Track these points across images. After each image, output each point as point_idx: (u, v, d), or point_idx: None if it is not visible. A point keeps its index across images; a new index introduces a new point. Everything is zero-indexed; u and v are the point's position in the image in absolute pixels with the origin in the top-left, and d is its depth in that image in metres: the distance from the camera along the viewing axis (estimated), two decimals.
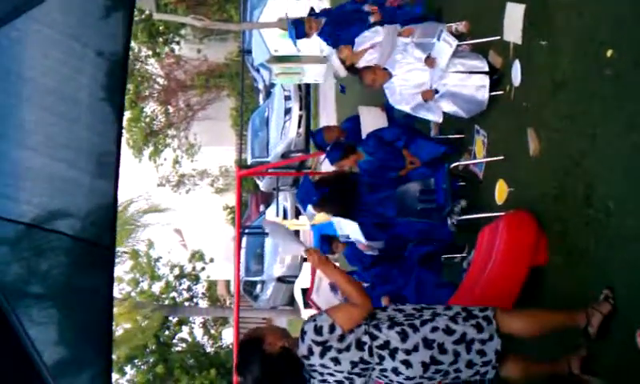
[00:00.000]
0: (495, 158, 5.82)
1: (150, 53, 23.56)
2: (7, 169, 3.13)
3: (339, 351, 3.74)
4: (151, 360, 21.71)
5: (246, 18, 18.01)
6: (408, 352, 3.76)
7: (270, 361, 3.72)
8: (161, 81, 25.41)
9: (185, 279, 23.16)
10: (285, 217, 16.96)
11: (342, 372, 3.78)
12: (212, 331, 24.77)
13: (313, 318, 3.84)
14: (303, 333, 3.79)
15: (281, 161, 16.77)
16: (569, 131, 4.75)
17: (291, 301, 18.00)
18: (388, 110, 7.23)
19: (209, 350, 24.22)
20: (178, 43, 23.50)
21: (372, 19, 7.04)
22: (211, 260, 23.54)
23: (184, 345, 23.39)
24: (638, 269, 3.90)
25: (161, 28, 22.19)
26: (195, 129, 25.17)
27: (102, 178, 3.42)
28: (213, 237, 24.94)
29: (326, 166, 7.76)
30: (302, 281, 12.94)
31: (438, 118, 6.28)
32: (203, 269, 23.49)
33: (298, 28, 7.57)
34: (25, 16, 3.03)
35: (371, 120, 7.29)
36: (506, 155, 5.70)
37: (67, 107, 3.34)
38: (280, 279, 17.86)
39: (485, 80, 5.90)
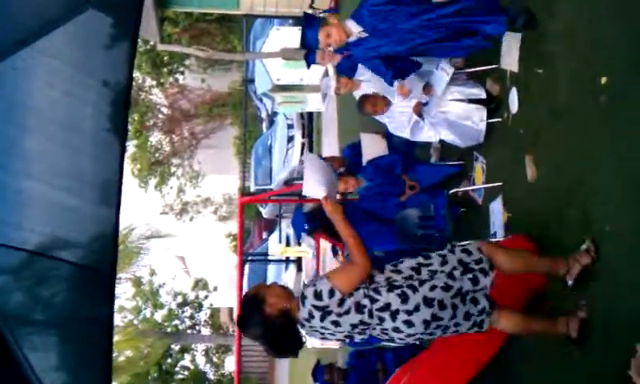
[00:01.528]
0: (494, 184, 5.87)
1: (155, 83, 23.77)
2: (10, 197, 3.18)
3: (339, 315, 3.84)
4: None
5: (249, 48, 18.19)
6: (409, 312, 3.86)
7: (269, 322, 3.83)
8: (165, 110, 25.59)
9: (187, 307, 23.13)
10: (288, 244, 16.96)
11: (342, 332, 3.92)
12: (214, 359, 24.68)
13: (313, 283, 3.92)
14: (304, 297, 3.87)
15: (284, 188, 16.83)
16: (565, 157, 4.80)
17: None
18: (388, 137, 7.30)
19: (211, 377, 24.10)
20: (182, 73, 23.71)
21: None
22: (215, 288, 23.51)
23: (186, 373, 23.30)
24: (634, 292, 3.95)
25: (165, 58, 22.40)
26: (199, 157, 25.31)
27: (104, 206, 3.46)
28: (216, 264, 24.94)
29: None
30: None
31: (435, 137, 6.32)
32: (207, 297, 23.48)
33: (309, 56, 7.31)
34: (30, 47, 3.09)
35: (372, 147, 7.34)
36: (504, 181, 5.76)
37: (71, 137, 3.39)
38: None
39: (482, 113, 5.96)
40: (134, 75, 4.11)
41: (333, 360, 8.79)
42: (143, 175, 23.84)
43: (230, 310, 26.35)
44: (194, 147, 25.66)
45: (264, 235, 21.75)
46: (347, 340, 4.10)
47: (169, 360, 22.45)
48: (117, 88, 3.45)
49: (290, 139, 17.82)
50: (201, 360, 24.30)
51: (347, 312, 3.84)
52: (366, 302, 3.86)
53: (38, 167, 3.28)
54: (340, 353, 12.37)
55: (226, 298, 23.27)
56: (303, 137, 17.71)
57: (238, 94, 23.68)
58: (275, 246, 17.27)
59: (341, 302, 3.83)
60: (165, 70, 22.82)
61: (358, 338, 4.02)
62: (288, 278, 17.46)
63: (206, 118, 25.31)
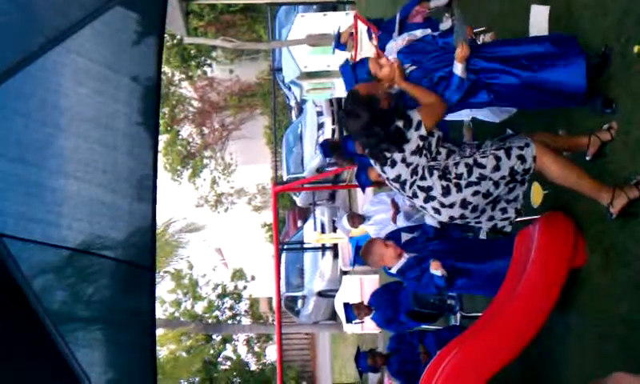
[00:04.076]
0: None
1: (183, 76, 23.92)
2: (46, 196, 3.21)
3: (411, 152, 4.11)
4: (197, 379, 21.81)
5: (275, 37, 18.19)
6: (442, 205, 4.17)
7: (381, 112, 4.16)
8: (195, 103, 25.74)
9: (227, 298, 23.33)
10: (322, 231, 17.00)
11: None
12: (256, 348, 24.85)
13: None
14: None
15: (316, 175, 16.82)
16: (599, 128, 4.72)
17: (333, 315, 17.98)
18: None
19: (253, 367, 24.28)
20: (209, 65, 23.84)
21: None
22: (252, 278, 23.69)
23: (229, 363, 23.51)
24: None
25: (192, 51, 22.52)
26: (231, 148, 25.43)
27: (140, 201, 3.49)
28: (253, 254, 25.10)
29: None
30: (343, 295, 12.93)
31: (466, 115, 6.25)
32: (245, 287, 23.66)
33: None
34: (59, 47, 3.12)
35: None
36: None
37: (104, 133, 3.42)
38: (321, 294, 17.87)
39: None
40: (163, 70, 4.14)
41: (373, 346, 8.81)
42: (175, 168, 24.06)
43: (269, 299, 26.54)
44: (225, 139, 25.79)
45: (299, 224, 21.81)
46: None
47: (211, 351, 22.64)
48: (147, 83, 3.47)
49: (320, 126, 17.81)
50: (242, 350, 24.47)
51: (412, 155, 4.09)
52: (419, 169, 4.13)
53: (73, 165, 3.31)
54: (380, 338, 12.40)
55: (265, 287, 23.43)
56: (333, 123, 17.67)
57: (266, 83, 23.74)
58: (310, 234, 17.33)
59: (418, 148, 4.08)
60: (193, 63, 22.97)
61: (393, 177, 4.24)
62: (325, 265, 17.51)
63: (236, 109, 25.42)
